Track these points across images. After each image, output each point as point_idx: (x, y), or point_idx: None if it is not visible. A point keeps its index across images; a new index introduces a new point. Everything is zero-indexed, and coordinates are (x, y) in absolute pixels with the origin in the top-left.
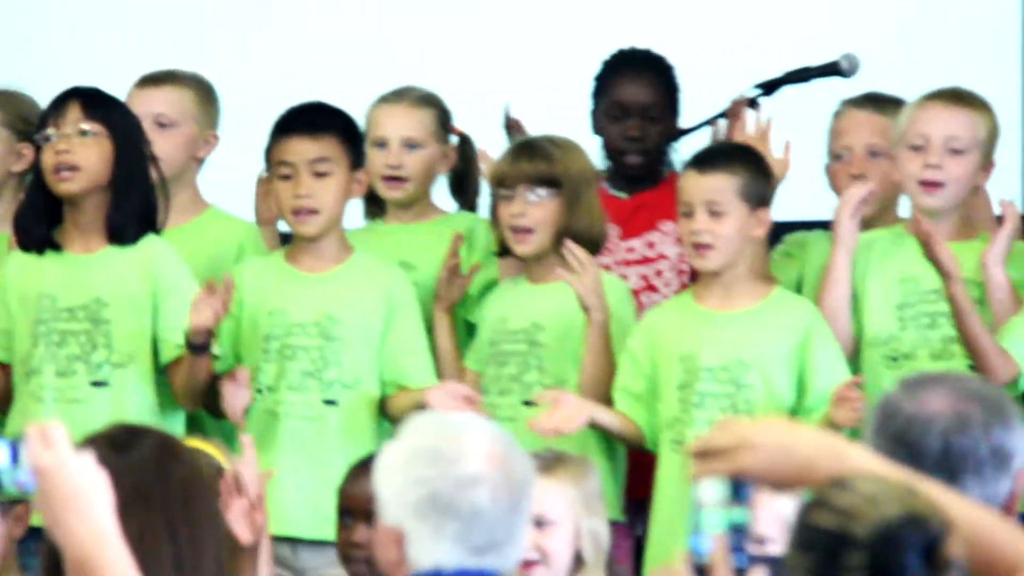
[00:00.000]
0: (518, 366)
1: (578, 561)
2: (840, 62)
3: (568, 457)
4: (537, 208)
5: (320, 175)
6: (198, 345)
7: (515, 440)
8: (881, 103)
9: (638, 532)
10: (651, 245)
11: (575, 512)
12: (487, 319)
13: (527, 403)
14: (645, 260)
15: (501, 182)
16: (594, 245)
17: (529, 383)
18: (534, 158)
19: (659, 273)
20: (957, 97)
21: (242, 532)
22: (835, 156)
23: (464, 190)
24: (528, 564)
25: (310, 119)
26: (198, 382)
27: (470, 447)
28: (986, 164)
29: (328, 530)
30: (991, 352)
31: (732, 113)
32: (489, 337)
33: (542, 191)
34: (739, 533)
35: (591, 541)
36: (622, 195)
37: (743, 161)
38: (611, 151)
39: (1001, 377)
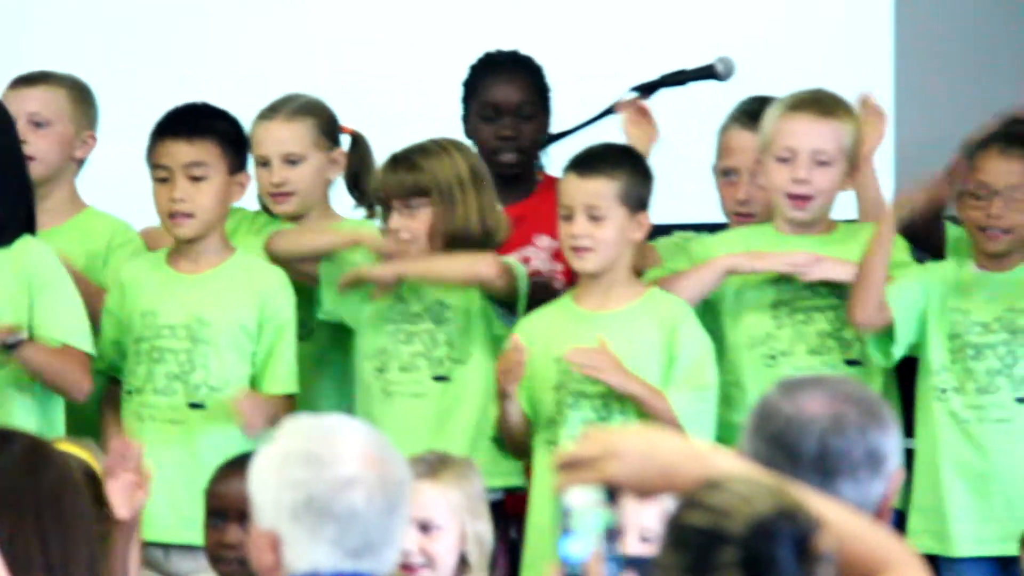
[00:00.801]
0: (425, 344)
1: (463, 564)
2: (716, 65)
3: (452, 460)
4: (412, 219)
5: (196, 179)
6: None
7: (408, 432)
8: (756, 116)
9: (513, 536)
10: (526, 260)
11: (460, 516)
12: (380, 304)
13: (438, 378)
14: None
15: (378, 198)
16: (479, 243)
17: (439, 358)
18: (398, 171)
19: None
20: (822, 107)
21: (120, 506)
22: (723, 172)
23: (361, 187)
24: (413, 569)
25: (187, 122)
26: (35, 373)
27: (345, 449)
28: (853, 170)
29: (199, 535)
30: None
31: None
32: (388, 317)
33: (413, 202)
34: (609, 539)
35: (476, 544)
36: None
37: (623, 165)
38: (485, 152)
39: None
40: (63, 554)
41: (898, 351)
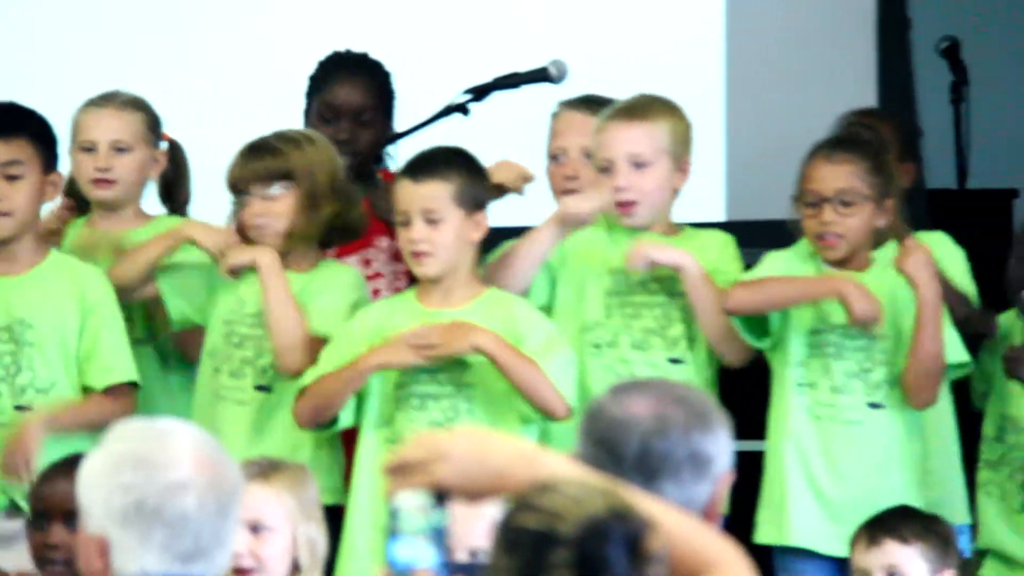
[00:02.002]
0: (254, 349)
1: (295, 568)
2: (549, 68)
3: (285, 465)
4: (274, 204)
5: (11, 178)
6: None
7: (230, 438)
8: (596, 104)
9: None
10: (367, 263)
11: (292, 519)
12: (221, 302)
13: (260, 387)
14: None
15: (235, 187)
16: (340, 233)
17: (263, 367)
18: (263, 156)
19: (377, 292)
20: (632, 112)
21: None
22: (552, 157)
23: (174, 196)
24: (243, 571)
25: (1, 121)
26: None
27: (177, 453)
28: (680, 167)
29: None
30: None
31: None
32: (224, 317)
33: (276, 187)
34: (438, 543)
35: (308, 548)
36: None
37: (457, 166)
38: None
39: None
40: None
41: (768, 341)
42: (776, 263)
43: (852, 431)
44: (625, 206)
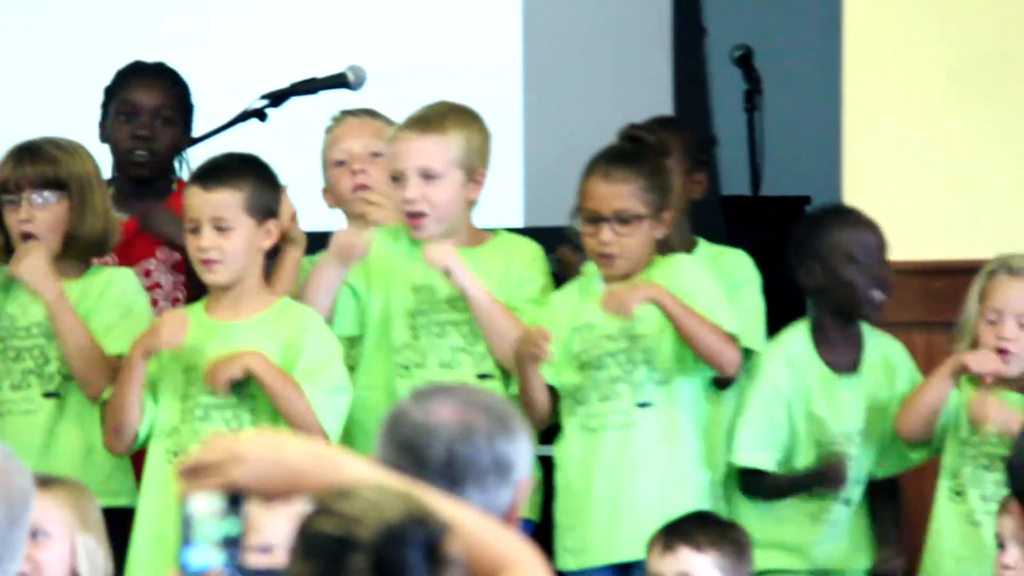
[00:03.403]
0: (35, 359)
1: None
2: (347, 74)
3: (64, 479)
4: (43, 211)
5: None
6: None
7: (19, 449)
8: (372, 112)
9: None
10: (148, 273)
11: (71, 528)
12: None
13: (48, 395)
14: None
15: (5, 187)
16: (100, 247)
17: (49, 374)
18: (37, 161)
19: (155, 303)
20: (423, 124)
21: None
22: (338, 163)
23: None
24: None
25: None
26: None
27: None
28: (474, 178)
29: None
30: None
31: None
32: None
33: (47, 194)
34: (232, 547)
35: (87, 558)
36: (123, 216)
37: (248, 175)
38: (119, 153)
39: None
40: None
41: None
42: (566, 298)
43: (626, 435)
44: (414, 218)
